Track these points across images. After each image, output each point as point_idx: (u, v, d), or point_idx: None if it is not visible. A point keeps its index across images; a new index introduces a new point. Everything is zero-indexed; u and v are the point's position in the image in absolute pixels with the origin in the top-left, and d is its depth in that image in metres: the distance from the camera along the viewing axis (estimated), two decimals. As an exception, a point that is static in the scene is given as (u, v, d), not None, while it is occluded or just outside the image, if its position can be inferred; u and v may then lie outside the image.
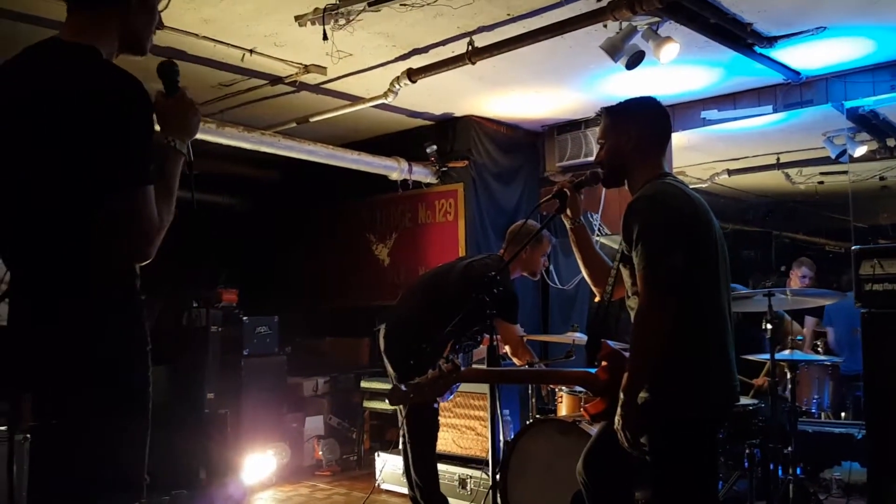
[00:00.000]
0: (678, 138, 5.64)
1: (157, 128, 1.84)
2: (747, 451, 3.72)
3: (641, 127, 2.47)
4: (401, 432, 3.89)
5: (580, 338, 4.08)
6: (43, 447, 1.75)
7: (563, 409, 4.03)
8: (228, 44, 4.48)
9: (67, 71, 1.69)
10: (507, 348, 3.84)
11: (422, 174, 6.20)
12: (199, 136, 5.54)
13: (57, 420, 1.70)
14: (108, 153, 1.64)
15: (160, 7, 1.91)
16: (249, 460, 5.14)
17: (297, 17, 4.00)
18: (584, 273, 2.69)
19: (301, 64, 4.79)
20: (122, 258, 1.75)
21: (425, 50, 4.57)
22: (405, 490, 4.08)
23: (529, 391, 4.31)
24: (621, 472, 2.44)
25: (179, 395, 4.97)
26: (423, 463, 3.80)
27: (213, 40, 4.41)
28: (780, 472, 3.81)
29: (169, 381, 4.90)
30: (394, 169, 6.06)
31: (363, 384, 5.91)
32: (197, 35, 4.32)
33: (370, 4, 3.80)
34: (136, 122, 1.68)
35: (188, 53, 4.63)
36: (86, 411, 1.71)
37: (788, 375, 4.02)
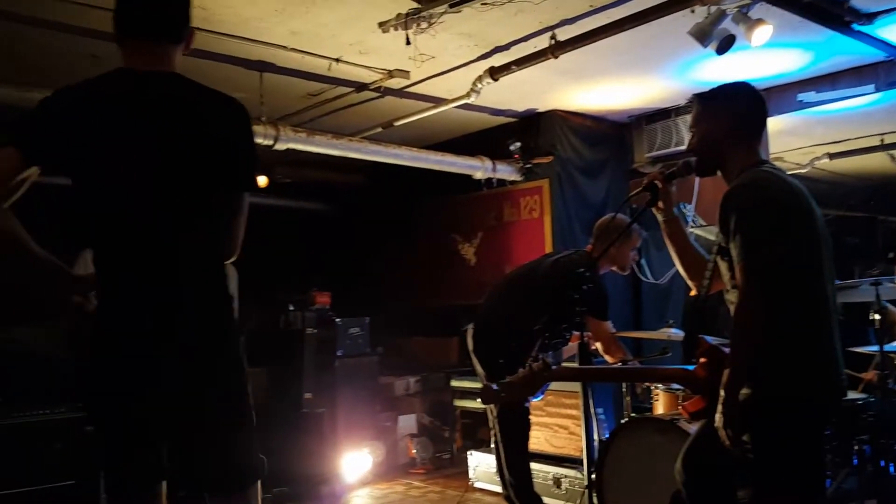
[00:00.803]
0: (774, 123, 5.41)
1: None
2: (857, 447, 3.55)
3: (735, 113, 2.38)
4: (492, 431, 3.89)
5: (675, 334, 3.98)
6: (184, 437, 1.89)
7: (660, 408, 3.94)
8: (315, 54, 4.60)
9: (198, 94, 1.92)
10: (598, 345, 3.79)
11: (506, 172, 6.18)
12: (290, 145, 5.73)
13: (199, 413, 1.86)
14: (239, 161, 1.92)
15: None
16: (346, 458, 5.26)
17: (380, 24, 4.07)
18: (679, 267, 2.61)
19: (385, 69, 4.87)
20: (227, 250, 1.98)
21: (507, 47, 4.56)
22: (499, 489, 4.08)
23: (624, 389, 4.24)
24: (722, 471, 2.37)
25: (278, 396, 5.13)
26: (515, 462, 3.79)
27: (301, 51, 4.54)
28: (891, 469, 3.62)
29: (268, 382, 5.07)
30: (478, 168, 6.07)
31: (453, 383, 5.96)
32: (286, 47, 4.46)
33: (451, 6, 3.82)
34: (252, 137, 1.98)
35: (278, 65, 4.78)
36: (230, 400, 1.90)
37: (900, 368, 3.81)
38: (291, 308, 5.50)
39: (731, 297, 2.27)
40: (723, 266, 2.31)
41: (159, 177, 1.84)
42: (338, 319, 5.68)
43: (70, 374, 4.80)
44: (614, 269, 3.89)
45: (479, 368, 3.87)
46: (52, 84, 4.36)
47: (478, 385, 4.77)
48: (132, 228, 1.86)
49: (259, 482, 1.98)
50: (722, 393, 2.13)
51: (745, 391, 2.14)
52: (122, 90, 1.88)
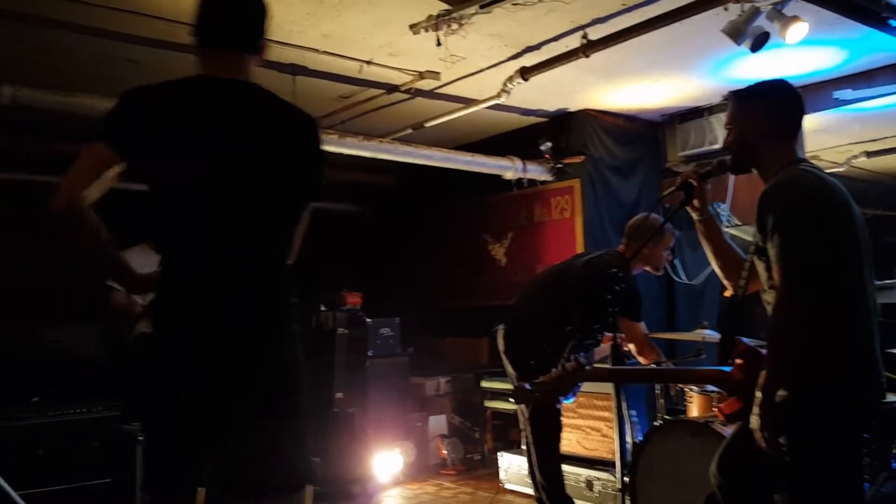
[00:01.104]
0: (810, 121, 5.32)
1: None
2: (895, 450, 3.48)
3: (772, 110, 2.35)
4: (523, 433, 3.88)
5: (710, 335, 3.93)
6: (252, 434, 1.90)
7: (694, 410, 3.89)
8: (347, 56, 4.63)
9: (274, 105, 2.00)
10: (630, 347, 3.76)
11: (536, 172, 6.17)
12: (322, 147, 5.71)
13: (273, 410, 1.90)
14: (309, 174, 2.00)
15: None
16: (378, 458, 5.28)
17: (411, 26, 4.08)
18: (715, 267, 2.59)
19: (416, 71, 4.89)
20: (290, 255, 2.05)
21: (538, 47, 4.55)
22: (530, 491, 4.06)
23: (657, 391, 4.20)
24: (758, 473, 2.34)
25: (311, 395, 5.17)
26: (547, 464, 3.77)
27: (333, 54, 4.57)
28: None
29: (301, 382, 5.10)
30: (508, 168, 6.06)
31: (484, 384, 5.94)
32: (317, 50, 4.50)
33: (482, 7, 3.82)
34: (321, 151, 2.06)
35: (310, 68, 4.82)
36: (287, 405, 1.95)
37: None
38: (323, 308, 5.54)
39: (769, 297, 2.24)
40: (760, 266, 2.28)
41: (231, 183, 1.89)
42: (368, 320, 5.71)
43: (105, 374, 4.90)
44: (647, 269, 3.85)
45: (509, 369, 3.85)
46: (92, 89, 4.51)
47: (508, 386, 4.75)
48: (203, 232, 1.90)
49: (309, 487, 2.01)
50: (758, 394, 2.10)
51: (781, 393, 2.11)
52: (202, 95, 1.94)
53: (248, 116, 1.93)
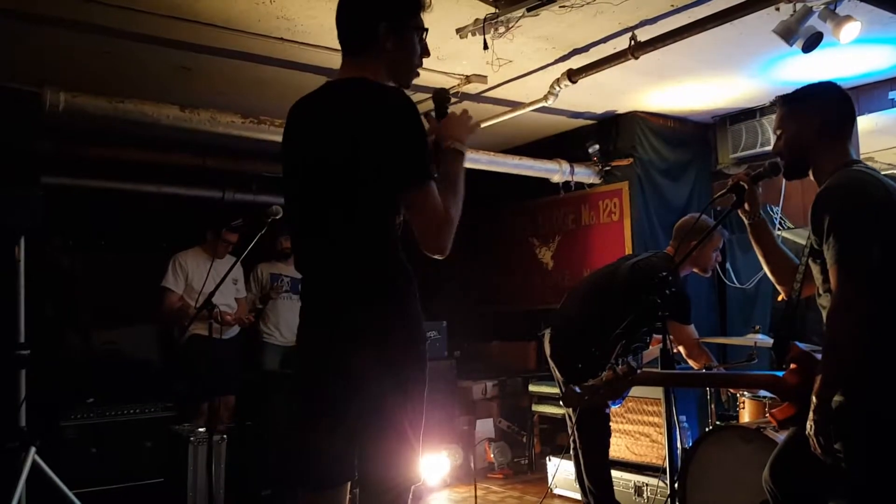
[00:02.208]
0: (865, 122, 5.21)
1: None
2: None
3: (822, 114, 2.32)
4: (571, 438, 3.86)
5: (762, 340, 3.86)
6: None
7: (746, 416, 3.82)
8: (395, 62, 4.66)
9: (359, 95, 2.01)
10: (680, 349, 3.71)
11: (584, 175, 6.13)
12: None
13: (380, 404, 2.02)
14: (398, 155, 1.91)
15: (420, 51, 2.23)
16: (425, 461, 5.30)
17: (458, 30, 4.10)
18: (767, 271, 2.55)
19: (462, 75, 4.90)
20: (422, 248, 2.09)
21: (585, 49, 4.52)
22: (578, 496, 4.04)
23: (708, 397, 4.14)
24: (813, 480, 2.29)
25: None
26: (595, 469, 3.74)
27: (380, 59, 4.61)
28: None
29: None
30: (555, 171, 6.04)
31: (531, 388, 5.93)
32: (365, 55, 4.54)
33: (529, 10, 3.82)
34: (414, 126, 1.96)
35: (358, 74, 4.87)
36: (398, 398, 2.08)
37: None
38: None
39: (824, 301, 2.20)
40: (815, 269, 2.24)
41: (312, 175, 1.99)
42: (415, 323, 5.73)
43: (159, 375, 5.02)
44: (695, 270, 3.81)
45: (557, 373, 3.84)
46: (145, 96, 4.61)
47: (556, 390, 4.73)
48: (297, 225, 2.10)
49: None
50: (814, 399, 2.06)
51: (837, 398, 2.07)
52: (313, 95, 2.11)
53: (326, 113, 2.02)
